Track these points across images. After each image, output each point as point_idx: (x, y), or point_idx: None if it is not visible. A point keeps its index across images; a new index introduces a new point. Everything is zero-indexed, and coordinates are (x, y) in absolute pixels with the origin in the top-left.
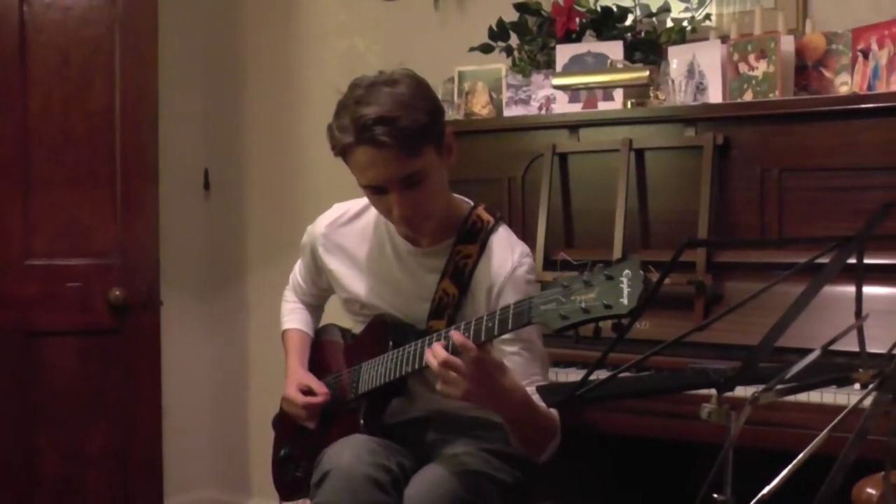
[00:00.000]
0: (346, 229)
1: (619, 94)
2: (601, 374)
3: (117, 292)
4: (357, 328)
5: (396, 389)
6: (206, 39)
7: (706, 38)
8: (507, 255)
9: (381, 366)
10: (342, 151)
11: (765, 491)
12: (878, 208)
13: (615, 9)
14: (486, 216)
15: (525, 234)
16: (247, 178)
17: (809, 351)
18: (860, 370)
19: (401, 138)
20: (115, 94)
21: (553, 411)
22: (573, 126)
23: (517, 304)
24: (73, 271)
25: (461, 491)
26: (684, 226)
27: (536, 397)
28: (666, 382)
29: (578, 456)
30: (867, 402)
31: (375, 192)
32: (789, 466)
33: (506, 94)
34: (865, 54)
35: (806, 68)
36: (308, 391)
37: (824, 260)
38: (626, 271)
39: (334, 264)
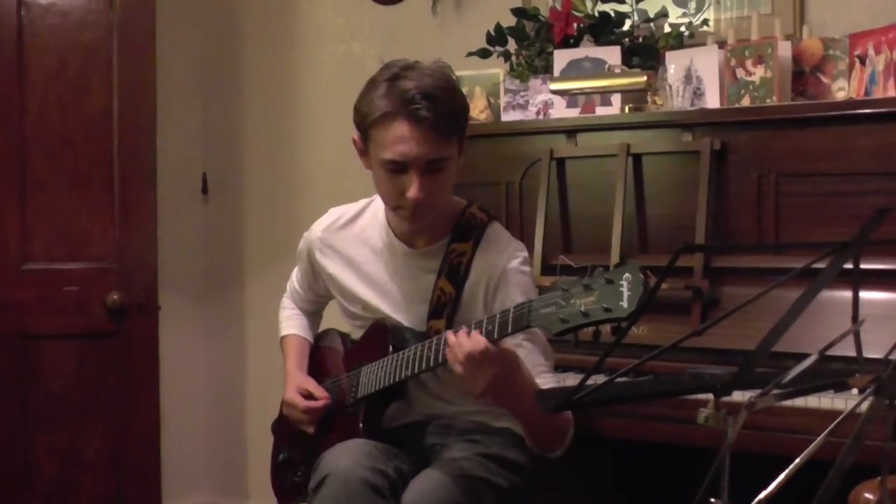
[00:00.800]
0: (343, 233)
1: (616, 99)
2: (598, 379)
3: (115, 296)
4: (356, 333)
5: (396, 393)
6: (203, 44)
7: (704, 44)
8: (500, 250)
9: (380, 370)
10: (374, 122)
11: (761, 496)
12: (875, 214)
13: (613, 14)
14: (479, 214)
15: (523, 238)
16: (245, 183)
17: (806, 356)
18: (857, 375)
19: (441, 117)
20: (113, 98)
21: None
22: (571, 131)
23: (517, 308)
24: (70, 275)
25: (458, 495)
26: (681, 230)
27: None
28: (663, 387)
29: (575, 460)
30: (864, 406)
31: (396, 169)
32: (786, 471)
33: (503, 99)
34: (862, 60)
35: (803, 74)
36: (308, 395)
37: (821, 265)
38: (626, 275)
39: (332, 268)
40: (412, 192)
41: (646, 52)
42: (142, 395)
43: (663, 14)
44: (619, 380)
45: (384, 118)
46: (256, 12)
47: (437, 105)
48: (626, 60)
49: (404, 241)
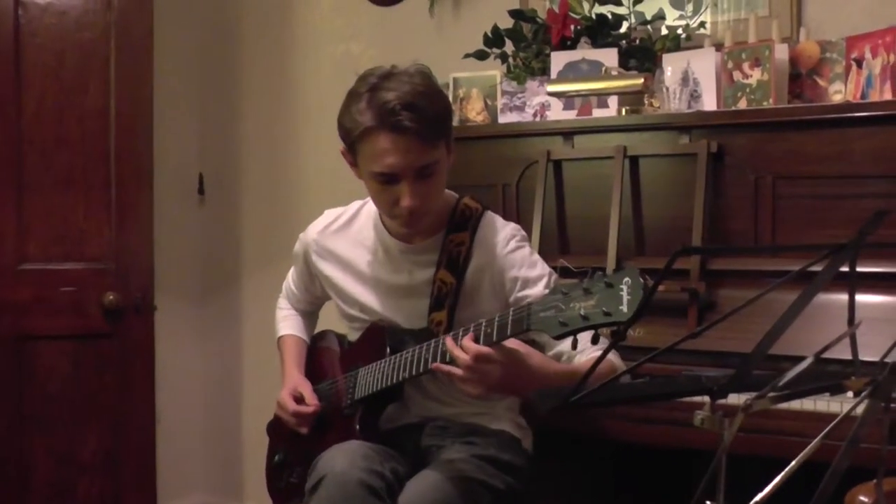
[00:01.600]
0: (338, 235)
1: (613, 101)
2: None
3: (111, 297)
4: (353, 335)
5: (393, 395)
6: (201, 44)
7: (701, 46)
8: (498, 234)
9: (378, 371)
10: (359, 136)
11: (757, 498)
12: (871, 216)
13: (610, 16)
14: (473, 204)
15: None
16: (241, 183)
17: (802, 358)
18: (853, 378)
19: (424, 126)
20: (110, 98)
21: (610, 356)
22: (568, 133)
23: (516, 310)
24: (66, 275)
25: (455, 497)
26: (678, 233)
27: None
28: (659, 389)
29: (572, 462)
30: (860, 409)
31: (386, 180)
32: (782, 473)
33: (500, 101)
34: (859, 63)
35: (800, 76)
36: (300, 399)
37: (817, 268)
38: (626, 279)
39: (328, 270)
40: (405, 201)
41: (643, 54)
42: (138, 395)
43: (660, 16)
44: (615, 382)
45: (367, 133)
46: (254, 13)
47: (418, 113)
48: (623, 63)
49: (400, 239)
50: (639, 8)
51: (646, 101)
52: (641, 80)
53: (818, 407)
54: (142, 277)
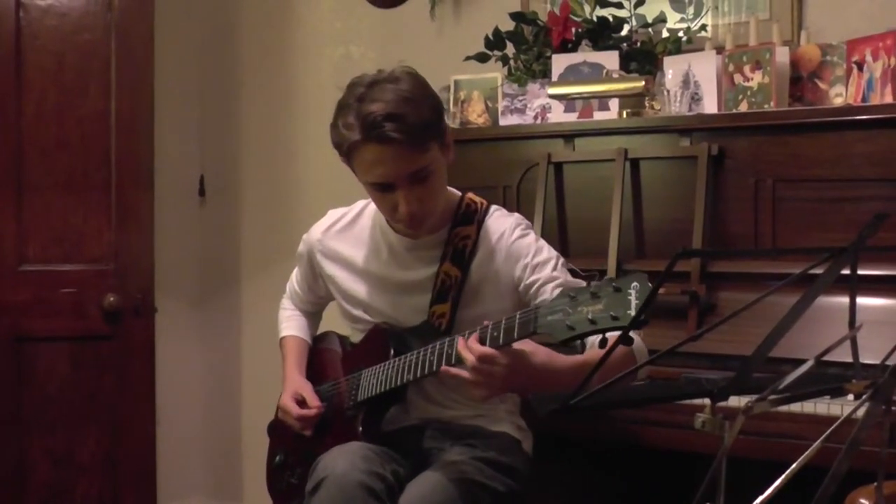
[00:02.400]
0: (342, 235)
1: (614, 103)
2: None
3: (111, 298)
4: (356, 336)
5: (395, 397)
6: (202, 46)
7: (702, 49)
8: (504, 226)
9: (381, 373)
10: (348, 150)
11: (757, 501)
12: (872, 219)
13: (611, 19)
14: (477, 199)
15: None
16: (242, 185)
17: (803, 361)
18: (853, 381)
19: (409, 134)
20: (111, 100)
21: (637, 343)
22: (568, 135)
23: (523, 314)
24: (67, 277)
25: (455, 499)
26: (678, 235)
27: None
28: (660, 392)
29: (572, 465)
30: (860, 412)
31: (382, 189)
32: (782, 477)
33: (501, 103)
34: (860, 66)
35: (801, 79)
36: (302, 401)
37: (818, 271)
38: (635, 283)
39: (332, 270)
40: (402, 207)
41: (644, 57)
42: (138, 397)
43: (661, 19)
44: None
45: (355, 147)
46: (255, 15)
47: (403, 123)
48: (624, 65)
49: (404, 235)
50: (640, 11)
51: (647, 104)
52: (642, 83)
53: (818, 410)
54: (142, 279)
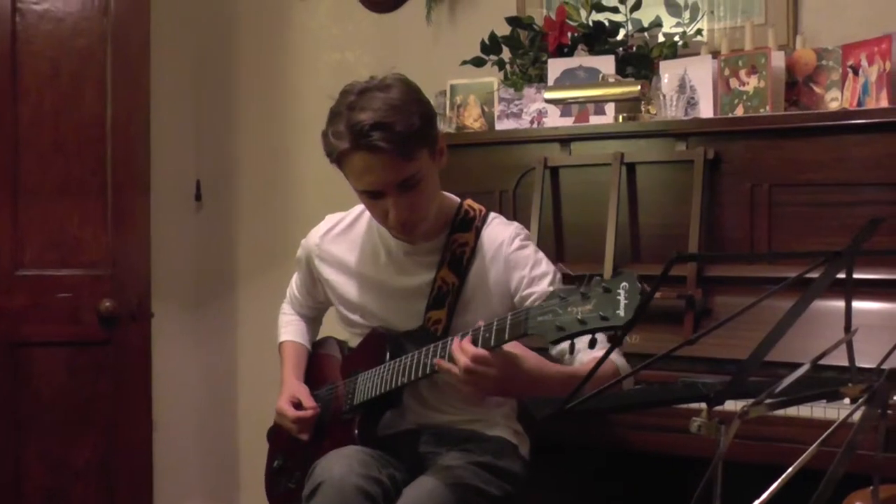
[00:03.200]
0: (340, 239)
1: (610, 108)
2: None
3: (107, 303)
4: (354, 341)
5: (391, 401)
6: (198, 51)
7: (697, 54)
8: (502, 234)
9: (377, 377)
10: (338, 158)
11: None
12: (867, 223)
13: (607, 23)
14: (476, 206)
15: None
16: (238, 190)
17: (799, 365)
18: (849, 385)
19: (397, 143)
20: (107, 105)
21: (612, 357)
22: (565, 140)
23: (514, 315)
24: (63, 282)
25: (451, 503)
26: (675, 240)
27: (580, 356)
28: (656, 396)
29: (568, 469)
30: (856, 416)
31: (372, 196)
32: (778, 480)
33: (497, 108)
34: (855, 70)
35: (796, 84)
36: (299, 404)
37: (814, 275)
38: (624, 284)
39: (330, 273)
40: (392, 214)
41: (640, 61)
42: (134, 402)
43: (657, 24)
44: (611, 389)
45: (344, 155)
46: (251, 20)
47: (390, 132)
48: (620, 70)
49: (403, 240)
50: (636, 15)
51: (643, 109)
52: (638, 88)
53: (814, 414)
54: (138, 284)
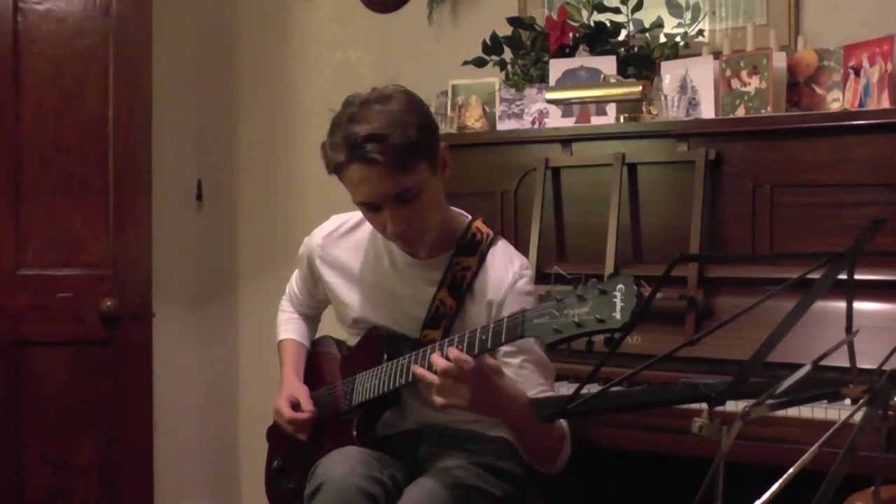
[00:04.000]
0: (343, 241)
1: (611, 108)
2: (592, 388)
3: (109, 303)
4: (352, 340)
5: (390, 401)
6: (199, 51)
7: (699, 54)
8: (507, 267)
9: (375, 378)
10: (335, 169)
11: None
12: (869, 224)
13: (608, 24)
14: (484, 229)
15: (518, 247)
16: (239, 190)
17: (800, 366)
18: (850, 385)
19: (392, 155)
20: (109, 105)
21: (562, 422)
22: (566, 140)
23: (511, 317)
24: (64, 282)
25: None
26: (676, 240)
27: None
28: (657, 397)
29: (569, 470)
30: (857, 417)
31: (370, 208)
32: (779, 481)
33: (499, 108)
34: (857, 71)
35: (798, 85)
36: (297, 405)
37: (815, 275)
38: (620, 286)
39: (330, 276)
40: (389, 227)
41: (641, 62)
42: (135, 402)
43: (659, 24)
44: (612, 389)
45: (340, 167)
46: (252, 20)
47: (386, 145)
48: (622, 70)
49: (407, 252)
50: (637, 16)
51: (644, 109)
52: (640, 88)
53: (816, 415)
54: (139, 284)
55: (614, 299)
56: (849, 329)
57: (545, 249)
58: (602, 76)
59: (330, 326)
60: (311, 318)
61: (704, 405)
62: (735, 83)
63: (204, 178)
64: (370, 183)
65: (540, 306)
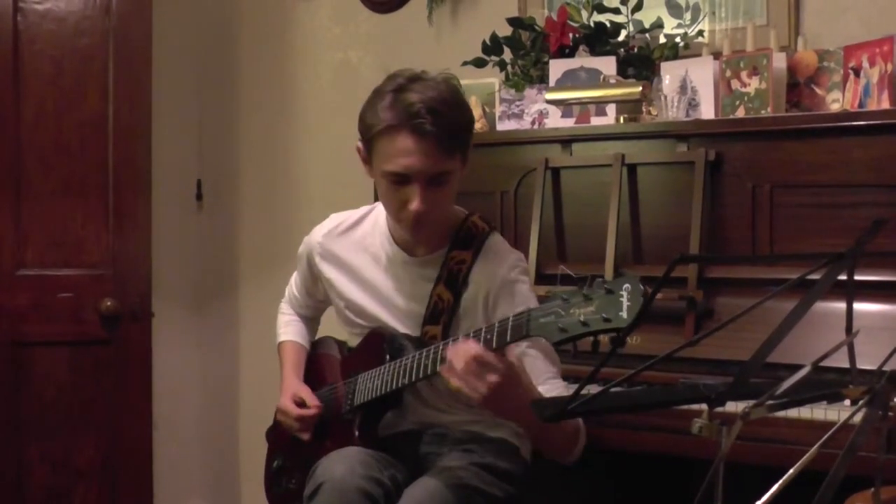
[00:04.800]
0: (342, 239)
1: (611, 109)
2: (593, 389)
3: (109, 303)
4: (353, 340)
5: (391, 402)
6: (200, 50)
7: (699, 55)
8: (501, 260)
9: (377, 378)
10: (378, 134)
11: None
12: (870, 225)
13: (608, 24)
14: (480, 224)
15: (517, 247)
16: (240, 190)
17: (800, 367)
18: (850, 386)
19: (445, 133)
20: (109, 105)
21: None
22: (566, 141)
23: (516, 317)
24: (64, 282)
25: None
26: (676, 241)
27: (554, 395)
28: (657, 397)
29: (569, 471)
30: (857, 418)
31: (398, 181)
32: (779, 482)
33: (499, 109)
34: (857, 72)
35: (797, 85)
36: (301, 403)
37: (815, 276)
38: (626, 285)
39: (330, 273)
40: (415, 204)
41: (641, 62)
42: (135, 402)
43: (658, 25)
44: (613, 389)
45: (388, 130)
46: (253, 20)
47: (441, 120)
48: (622, 71)
49: (404, 250)
50: (637, 16)
51: (644, 110)
52: (639, 89)
53: (816, 415)
54: (139, 284)
55: (621, 299)
56: (849, 330)
57: (545, 250)
58: (602, 77)
59: (330, 327)
60: (311, 319)
61: (704, 406)
62: (735, 84)
63: (204, 177)
64: (414, 155)
65: (545, 305)
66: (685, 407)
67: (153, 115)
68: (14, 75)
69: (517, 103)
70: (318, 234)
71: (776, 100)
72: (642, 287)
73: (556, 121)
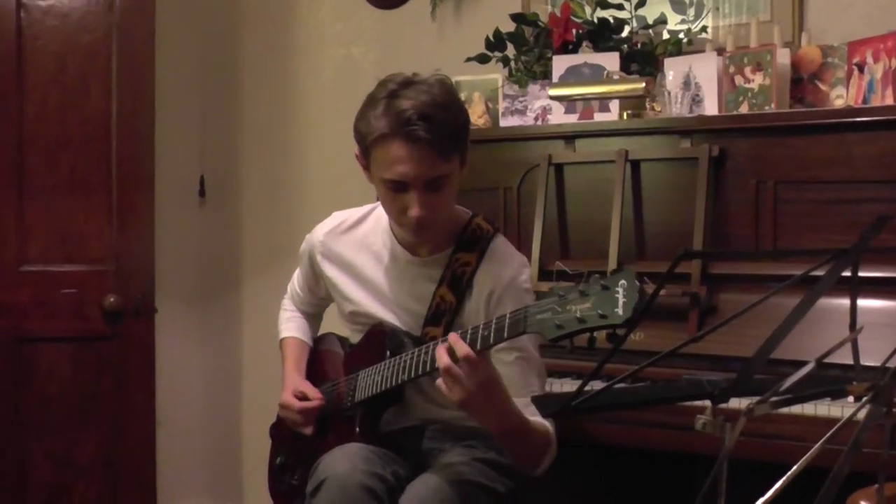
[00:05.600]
0: (345, 238)
1: (615, 105)
2: (596, 385)
3: (112, 299)
4: (355, 337)
5: (393, 398)
6: (203, 47)
7: (702, 51)
8: (506, 263)
9: (378, 374)
10: (373, 142)
11: (759, 503)
12: (873, 221)
13: (612, 20)
14: (485, 225)
15: (520, 244)
16: (242, 186)
17: (804, 363)
18: (854, 383)
19: (438, 138)
20: (112, 101)
21: (547, 425)
22: (569, 137)
23: (513, 313)
24: (67, 278)
25: (455, 500)
26: (679, 237)
27: (531, 409)
28: (661, 393)
29: (573, 467)
30: (861, 414)
31: (396, 188)
32: (783, 479)
33: (502, 105)
34: (861, 68)
35: (801, 81)
36: (303, 397)
37: (819, 272)
38: (622, 282)
39: (332, 272)
40: (413, 210)
41: (644, 58)
42: (138, 398)
43: (662, 21)
44: (616, 386)
45: (382, 139)
46: (256, 16)
47: (434, 125)
48: (625, 67)
49: (407, 249)
50: (640, 12)
51: (647, 106)
52: (643, 85)
53: (819, 412)
54: (142, 280)
55: (616, 295)
56: (853, 326)
57: (548, 246)
58: (605, 73)
59: (333, 324)
60: (313, 316)
61: (708, 402)
62: (738, 80)
63: (207, 173)
64: (409, 162)
65: (542, 302)
66: (688, 403)
67: (156, 111)
68: (17, 71)
69: (520, 99)
70: (319, 232)
71: (780, 96)
72: (638, 283)
73: (560, 117)
